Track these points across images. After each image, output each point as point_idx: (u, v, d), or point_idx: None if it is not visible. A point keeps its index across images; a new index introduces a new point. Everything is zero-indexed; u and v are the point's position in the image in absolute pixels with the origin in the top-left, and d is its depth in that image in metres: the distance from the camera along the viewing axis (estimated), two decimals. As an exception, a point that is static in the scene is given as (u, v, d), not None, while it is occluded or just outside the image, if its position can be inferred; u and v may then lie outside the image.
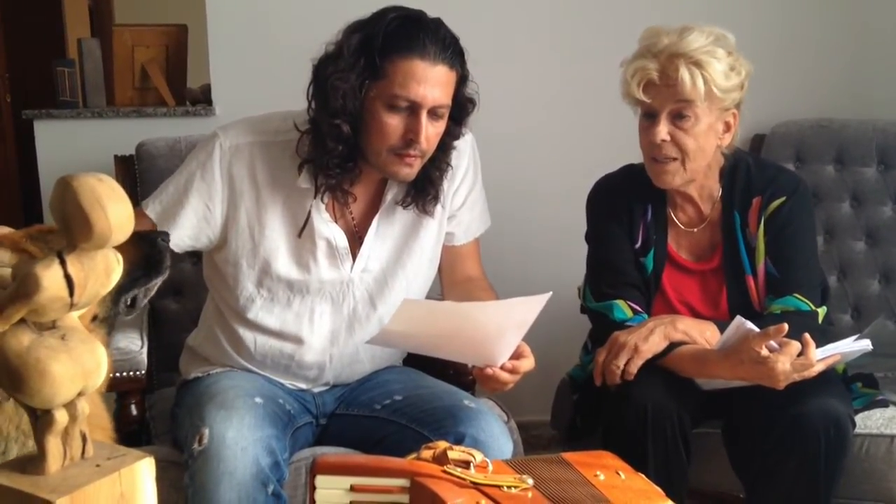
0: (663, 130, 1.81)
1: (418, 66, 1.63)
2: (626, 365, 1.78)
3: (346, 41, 1.67)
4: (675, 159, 1.83)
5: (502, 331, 1.59)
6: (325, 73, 1.67)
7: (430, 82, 1.64)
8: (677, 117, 1.81)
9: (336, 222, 1.79)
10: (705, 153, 1.85)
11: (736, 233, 1.91)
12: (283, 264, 1.78)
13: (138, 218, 1.63)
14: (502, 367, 1.63)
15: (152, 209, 1.78)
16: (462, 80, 1.72)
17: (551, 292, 1.53)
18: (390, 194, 1.81)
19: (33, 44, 5.31)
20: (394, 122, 1.66)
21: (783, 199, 1.89)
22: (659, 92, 1.80)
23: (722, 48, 1.80)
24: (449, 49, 1.66)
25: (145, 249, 1.52)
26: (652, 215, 1.94)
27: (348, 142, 1.69)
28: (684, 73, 1.76)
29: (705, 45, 1.78)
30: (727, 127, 1.86)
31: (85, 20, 5.44)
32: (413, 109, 1.66)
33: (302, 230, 1.76)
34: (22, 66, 5.42)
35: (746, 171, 1.94)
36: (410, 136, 1.67)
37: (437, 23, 1.68)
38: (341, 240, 1.79)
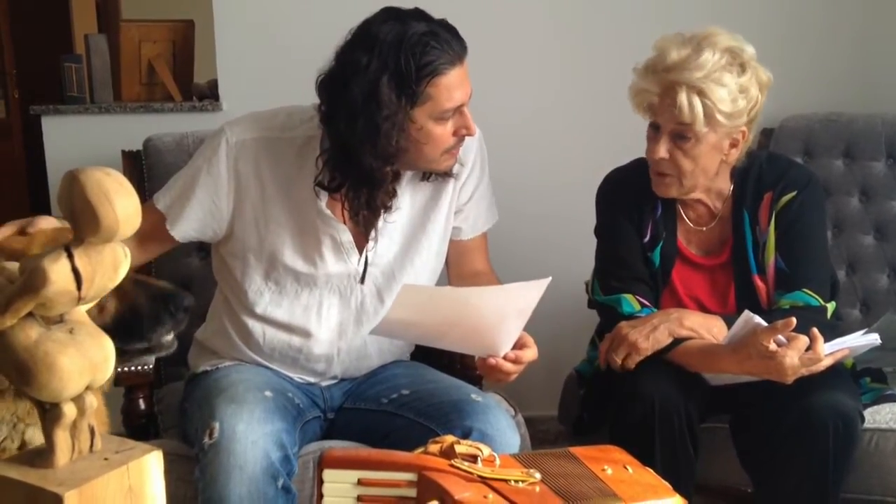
0: (662, 149, 1.80)
1: (454, 75, 1.66)
2: (624, 360, 1.78)
3: (376, 86, 1.61)
4: (672, 175, 1.83)
5: (502, 317, 1.59)
6: (370, 124, 1.63)
7: (464, 80, 1.69)
8: (678, 137, 1.80)
9: (343, 216, 1.79)
10: (706, 172, 1.84)
11: (744, 230, 1.90)
12: (290, 258, 1.78)
13: (147, 212, 1.65)
14: (505, 357, 1.63)
15: (162, 202, 1.79)
16: None
17: (550, 277, 1.53)
18: (400, 190, 1.80)
19: (40, 39, 5.31)
20: (447, 129, 1.70)
21: (794, 193, 1.89)
22: (661, 112, 1.80)
23: (731, 72, 1.76)
24: (459, 40, 1.68)
25: (142, 302, 1.29)
26: (662, 211, 1.93)
27: (397, 176, 1.73)
28: (683, 100, 1.74)
29: (712, 71, 1.74)
30: (734, 143, 1.84)
31: (92, 16, 5.44)
32: (457, 109, 1.69)
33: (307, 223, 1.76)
34: (29, 61, 5.43)
35: (758, 169, 1.92)
36: (463, 132, 1.71)
37: (444, 24, 1.68)
38: (345, 235, 1.79)
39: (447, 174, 1.81)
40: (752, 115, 1.82)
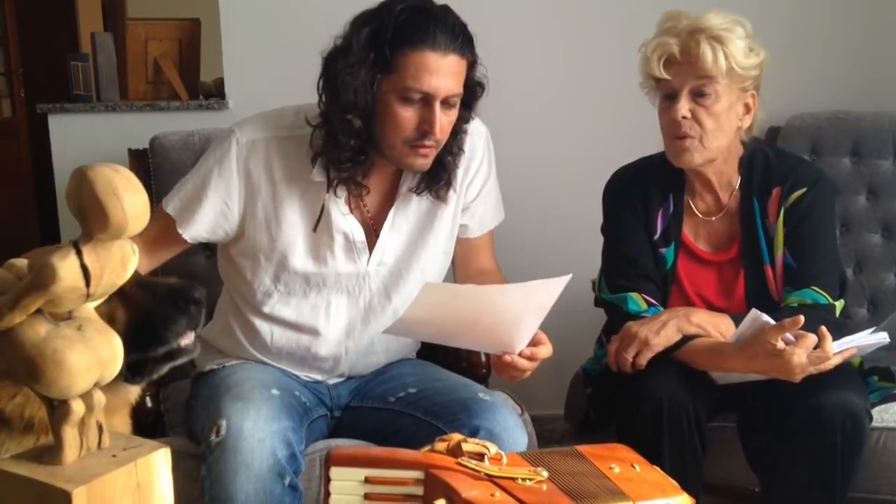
0: (684, 107, 1.80)
1: (430, 57, 1.63)
2: (635, 357, 1.78)
3: (355, 35, 1.66)
4: (693, 137, 1.82)
5: (522, 314, 1.59)
6: (335, 68, 1.66)
7: (442, 73, 1.64)
8: (698, 95, 1.80)
9: (355, 213, 1.79)
10: (725, 133, 1.84)
11: (755, 221, 1.90)
12: (300, 258, 1.78)
13: (156, 217, 1.66)
14: (520, 354, 1.63)
15: (171, 206, 1.78)
16: (472, 65, 1.71)
17: (571, 275, 1.53)
18: (405, 186, 1.80)
19: (47, 38, 5.34)
20: (407, 115, 1.66)
21: (804, 190, 1.88)
22: (680, 69, 1.80)
23: (740, 28, 1.81)
24: (459, 37, 1.66)
25: (150, 304, 1.25)
26: (672, 205, 1.93)
27: (360, 136, 1.69)
28: (706, 48, 1.76)
29: (724, 23, 1.79)
30: (747, 109, 1.86)
31: (98, 14, 5.45)
32: (426, 101, 1.65)
33: (316, 224, 1.76)
34: (35, 60, 5.44)
35: (765, 161, 1.93)
36: (425, 128, 1.66)
37: (445, 10, 1.67)
38: (358, 233, 1.79)
39: (429, 189, 1.78)
40: (759, 80, 1.85)
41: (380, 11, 1.66)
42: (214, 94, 2.75)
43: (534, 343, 1.64)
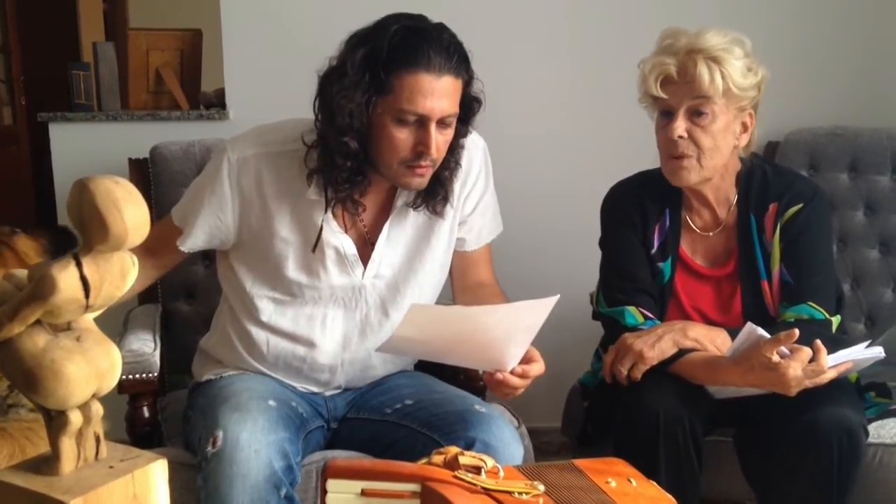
0: (681, 126, 1.81)
1: (424, 79, 1.62)
2: (630, 370, 1.78)
3: (349, 57, 1.65)
4: (691, 156, 1.83)
5: (511, 334, 1.59)
6: (331, 90, 1.66)
7: (437, 94, 1.63)
8: (695, 114, 1.81)
9: (346, 230, 1.79)
10: (722, 152, 1.84)
11: (752, 236, 1.91)
12: (293, 271, 1.79)
13: (166, 227, 1.72)
14: (512, 372, 1.63)
15: (177, 217, 1.83)
16: (467, 83, 1.71)
17: (559, 295, 1.53)
18: (401, 200, 1.81)
19: (48, 47, 5.34)
20: (403, 136, 1.66)
21: (800, 205, 1.89)
22: (677, 89, 1.81)
23: (739, 48, 1.81)
24: (454, 57, 1.65)
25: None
26: (669, 220, 1.94)
27: (357, 157, 1.69)
28: (703, 69, 1.77)
29: (723, 43, 1.79)
30: (744, 128, 1.86)
31: (99, 24, 5.46)
32: (422, 122, 1.65)
33: (315, 246, 1.76)
34: (37, 68, 5.45)
35: (763, 177, 1.93)
36: (421, 149, 1.66)
37: (440, 30, 1.67)
38: (349, 247, 1.79)
39: (426, 204, 1.78)
40: (757, 99, 1.85)
41: (375, 31, 1.65)
42: (215, 104, 2.76)
43: (526, 360, 1.64)
